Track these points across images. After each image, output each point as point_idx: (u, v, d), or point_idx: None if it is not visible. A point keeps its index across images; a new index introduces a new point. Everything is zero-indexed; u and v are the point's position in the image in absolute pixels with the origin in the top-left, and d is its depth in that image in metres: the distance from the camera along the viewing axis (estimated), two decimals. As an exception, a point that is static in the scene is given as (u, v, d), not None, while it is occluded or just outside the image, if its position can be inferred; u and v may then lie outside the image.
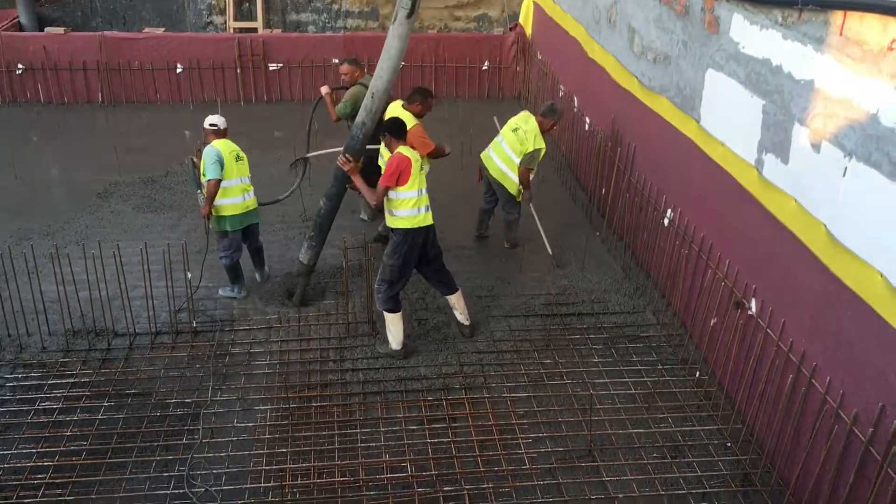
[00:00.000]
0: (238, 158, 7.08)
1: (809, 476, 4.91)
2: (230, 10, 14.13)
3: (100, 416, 5.84)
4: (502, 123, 8.24)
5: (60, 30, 12.61)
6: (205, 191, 6.89)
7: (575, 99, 10.08)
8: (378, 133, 6.73)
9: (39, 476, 5.28)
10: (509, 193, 7.95)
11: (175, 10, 14.43)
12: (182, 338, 6.79)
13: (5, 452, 5.47)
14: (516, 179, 7.82)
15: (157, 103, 12.69)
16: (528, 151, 7.70)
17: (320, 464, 5.45)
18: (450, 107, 12.25)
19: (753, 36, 5.63)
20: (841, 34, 4.59)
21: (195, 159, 7.11)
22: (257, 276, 7.64)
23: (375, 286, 6.52)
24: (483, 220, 8.48)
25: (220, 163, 6.87)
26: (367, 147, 6.95)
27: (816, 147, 4.88)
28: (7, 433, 5.66)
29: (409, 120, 7.26)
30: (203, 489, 5.19)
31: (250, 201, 7.19)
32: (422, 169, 6.40)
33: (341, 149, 6.81)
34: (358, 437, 5.72)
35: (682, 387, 6.30)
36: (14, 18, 13.31)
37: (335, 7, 14.56)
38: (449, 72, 13.07)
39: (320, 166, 8.96)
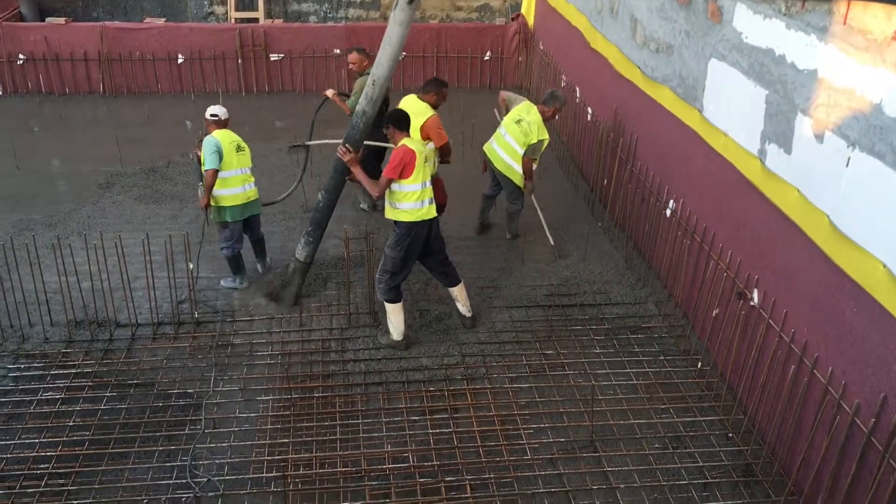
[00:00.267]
0: (239, 149, 7.07)
1: (811, 466, 4.91)
2: (231, 1, 14.10)
3: (102, 407, 5.85)
4: (502, 114, 8.23)
5: (61, 20, 12.58)
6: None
7: (577, 89, 10.05)
8: (379, 124, 6.69)
9: (42, 466, 5.29)
10: (514, 184, 7.94)
11: (176, 0, 14.40)
12: (184, 328, 6.79)
13: (8, 442, 5.48)
14: (521, 170, 7.81)
15: (159, 94, 12.68)
16: (533, 143, 7.68)
17: (322, 454, 5.46)
18: (451, 97, 12.18)
19: (757, 25, 5.60)
20: (844, 23, 4.57)
21: (198, 152, 7.10)
22: (259, 267, 7.64)
23: (377, 276, 6.50)
24: (486, 207, 8.46)
25: (219, 153, 6.85)
26: (368, 143, 6.90)
27: (819, 137, 4.86)
28: (10, 423, 5.67)
29: (426, 110, 7.26)
30: (205, 479, 5.20)
31: (251, 192, 7.18)
32: (426, 162, 6.36)
33: (337, 141, 6.77)
34: (360, 427, 5.73)
35: (683, 378, 6.30)
36: (15, 8, 13.29)
37: (336, -3, 14.53)
38: (451, 62, 13.04)
39: (322, 157, 8.96)
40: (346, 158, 6.50)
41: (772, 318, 5.42)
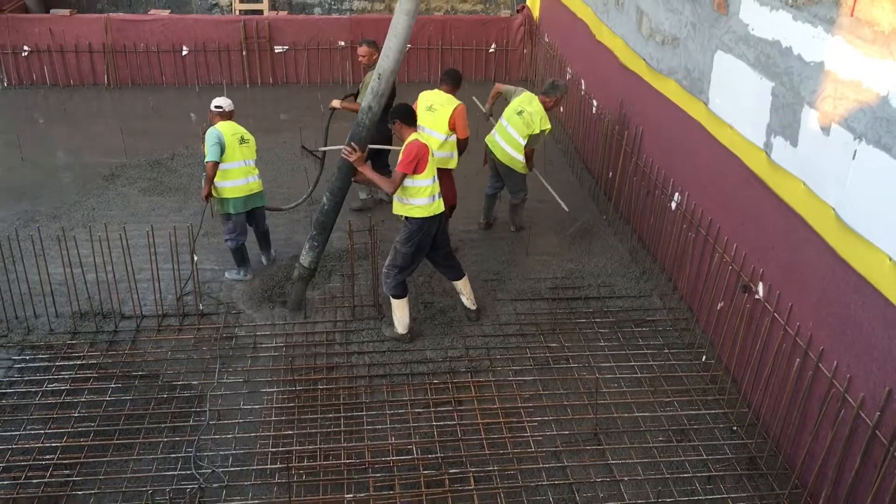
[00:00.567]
0: (242, 141, 7.06)
1: (815, 460, 4.91)
2: (236, -8, 14.08)
3: (107, 398, 5.87)
4: (487, 106, 8.23)
5: (66, 11, 12.56)
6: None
7: (582, 82, 10.02)
8: (385, 120, 6.57)
9: (47, 457, 5.31)
10: (516, 174, 7.92)
11: (180, -9, 14.40)
12: (188, 320, 6.80)
13: (14, 433, 5.50)
14: (523, 159, 7.80)
15: (163, 86, 12.67)
16: (535, 133, 7.67)
17: (326, 446, 5.47)
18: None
19: (763, 17, 5.58)
20: (852, 15, 4.54)
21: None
22: (263, 259, 7.64)
23: (384, 271, 6.47)
24: (489, 206, 8.43)
25: (220, 145, 6.85)
26: (371, 146, 6.81)
27: (826, 130, 4.84)
28: (15, 414, 5.69)
29: (453, 100, 7.28)
30: (210, 470, 5.22)
31: (254, 184, 7.17)
32: (433, 155, 6.32)
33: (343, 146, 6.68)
34: (364, 419, 5.74)
35: (688, 371, 6.29)
36: (19, 0, 13.27)
37: (341, -11, 14.49)
38: (455, 54, 13.00)
39: (330, 164, 8.94)
40: (352, 158, 6.29)
41: (777, 311, 5.41)
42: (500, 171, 8.03)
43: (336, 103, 8.17)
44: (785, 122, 5.31)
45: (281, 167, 9.81)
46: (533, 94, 7.88)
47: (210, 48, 12.52)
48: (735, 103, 6.04)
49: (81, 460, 5.29)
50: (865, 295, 4.48)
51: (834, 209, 4.76)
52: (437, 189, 6.30)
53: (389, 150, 8.14)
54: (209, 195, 7.01)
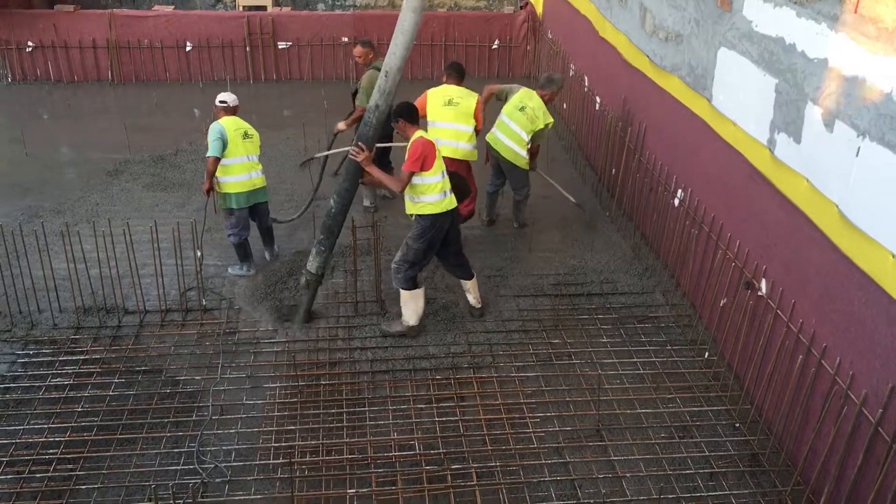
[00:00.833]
0: (246, 136, 7.07)
1: (817, 457, 4.90)
2: (239, -12, 14.08)
3: (110, 393, 5.88)
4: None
5: (70, 7, 12.58)
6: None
7: (585, 78, 10.01)
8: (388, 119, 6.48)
9: (51, 451, 5.32)
10: (520, 171, 7.92)
11: (184, -13, 14.40)
12: (192, 315, 6.81)
13: (17, 428, 5.52)
14: (527, 155, 7.81)
15: (167, 82, 12.68)
16: (539, 128, 7.68)
17: (329, 441, 5.47)
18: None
19: (767, 14, 5.56)
20: (856, 12, 4.53)
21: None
22: (266, 255, 7.65)
23: (394, 266, 6.43)
24: (492, 203, 8.44)
25: (222, 140, 6.86)
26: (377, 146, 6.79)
27: (829, 126, 4.83)
28: (19, 409, 5.71)
29: (471, 92, 7.46)
30: (213, 465, 5.23)
31: (257, 179, 7.18)
32: (440, 151, 6.31)
33: (344, 149, 6.65)
34: (366, 415, 5.74)
35: (690, 367, 6.29)
36: (24, -5, 13.30)
37: (345, -15, 14.49)
38: (459, 51, 12.99)
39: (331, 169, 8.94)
40: (359, 158, 6.23)
41: (780, 307, 5.41)
42: (502, 168, 8.02)
43: (342, 125, 8.19)
44: (788, 119, 5.30)
45: (284, 163, 9.82)
46: (531, 90, 7.88)
47: (214, 44, 12.54)
48: (738, 100, 6.04)
49: (85, 455, 5.30)
50: (868, 292, 4.48)
51: (837, 206, 4.75)
52: (448, 185, 6.29)
53: (391, 148, 8.14)
54: (210, 190, 7.02)
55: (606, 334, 6.69)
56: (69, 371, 6.09)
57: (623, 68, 8.59)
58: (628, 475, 5.24)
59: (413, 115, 6.28)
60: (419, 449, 5.43)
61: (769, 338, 5.51)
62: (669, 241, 7.27)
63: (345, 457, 5.34)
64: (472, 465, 5.29)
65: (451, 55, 12.88)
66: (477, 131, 7.52)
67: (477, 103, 7.41)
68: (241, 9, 13.95)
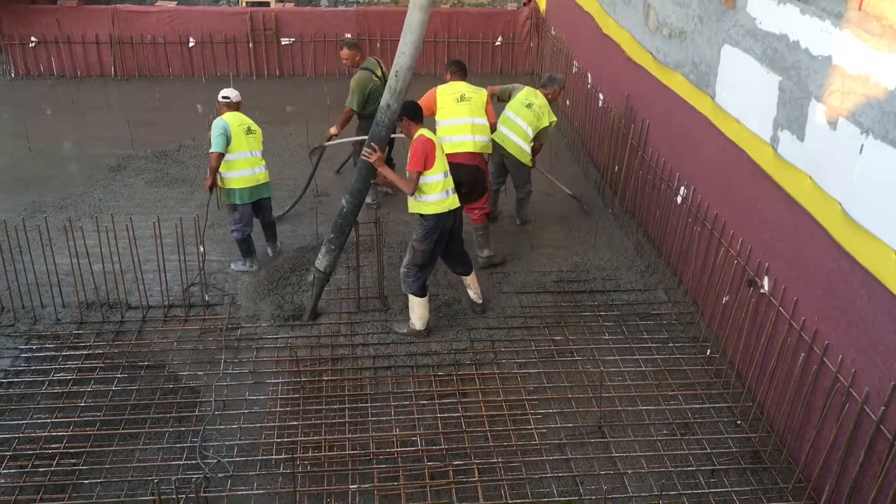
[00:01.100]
0: (249, 132, 7.07)
1: (819, 454, 4.91)
2: (242, -16, 14.08)
3: (113, 388, 5.89)
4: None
5: (73, 2, 12.59)
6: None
7: (588, 75, 10.00)
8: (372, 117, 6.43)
9: (54, 446, 5.34)
10: (525, 169, 7.92)
11: (187, -17, 14.39)
12: (194, 311, 6.82)
13: (21, 422, 5.53)
14: (530, 153, 7.83)
15: (170, 77, 12.69)
16: (545, 125, 7.71)
17: (331, 437, 5.49)
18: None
19: (771, 11, 5.55)
20: (860, 9, 4.52)
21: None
22: (269, 251, 7.66)
23: (403, 270, 6.40)
24: (494, 202, 8.41)
25: (226, 136, 6.86)
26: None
27: (833, 124, 4.83)
28: (22, 403, 5.72)
29: (478, 87, 7.42)
30: (215, 460, 5.24)
31: (260, 175, 7.18)
32: (441, 150, 6.29)
33: (356, 138, 6.62)
34: (369, 411, 5.75)
35: (692, 364, 6.30)
36: (27, -9, 13.31)
37: (348, -19, 14.48)
38: (462, 47, 12.98)
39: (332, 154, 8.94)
40: (372, 159, 6.21)
41: (782, 305, 5.41)
42: (507, 165, 8.00)
43: (334, 130, 8.18)
44: (792, 117, 5.29)
45: (287, 159, 9.83)
46: (535, 89, 7.90)
47: (217, 40, 12.54)
48: (742, 97, 6.03)
49: (88, 449, 5.31)
50: (871, 289, 4.48)
51: (840, 203, 4.74)
52: (451, 184, 6.28)
53: (393, 145, 8.13)
54: (213, 185, 7.02)
55: (608, 331, 6.69)
56: (72, 366, 6.11)
57: (626, 65, 8.58)
58: (630, 472, 5.25)
59: (418, 114, 6.25)
60: (421, 445, 5.44)
61: (771, 335, 5.51)
62: (672, 239, 7.27)
63: (347, 452, 5.35)
64: (474, 460, 5.30)
65: (454, 52, 12.88)
66: (493, 127, 7.48)
67: (487, 97, 7.43)
68: (244, 4, 13.96)
